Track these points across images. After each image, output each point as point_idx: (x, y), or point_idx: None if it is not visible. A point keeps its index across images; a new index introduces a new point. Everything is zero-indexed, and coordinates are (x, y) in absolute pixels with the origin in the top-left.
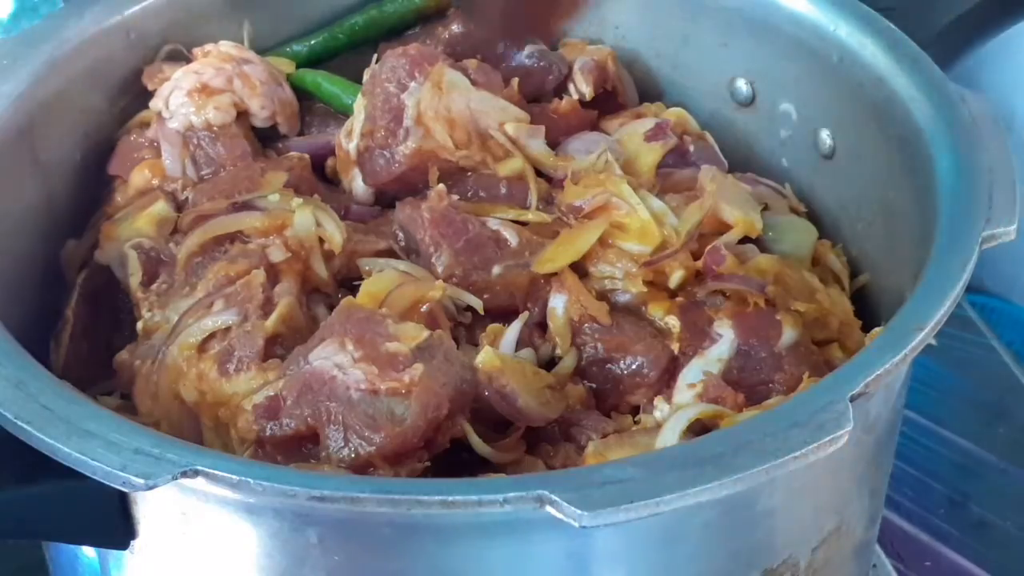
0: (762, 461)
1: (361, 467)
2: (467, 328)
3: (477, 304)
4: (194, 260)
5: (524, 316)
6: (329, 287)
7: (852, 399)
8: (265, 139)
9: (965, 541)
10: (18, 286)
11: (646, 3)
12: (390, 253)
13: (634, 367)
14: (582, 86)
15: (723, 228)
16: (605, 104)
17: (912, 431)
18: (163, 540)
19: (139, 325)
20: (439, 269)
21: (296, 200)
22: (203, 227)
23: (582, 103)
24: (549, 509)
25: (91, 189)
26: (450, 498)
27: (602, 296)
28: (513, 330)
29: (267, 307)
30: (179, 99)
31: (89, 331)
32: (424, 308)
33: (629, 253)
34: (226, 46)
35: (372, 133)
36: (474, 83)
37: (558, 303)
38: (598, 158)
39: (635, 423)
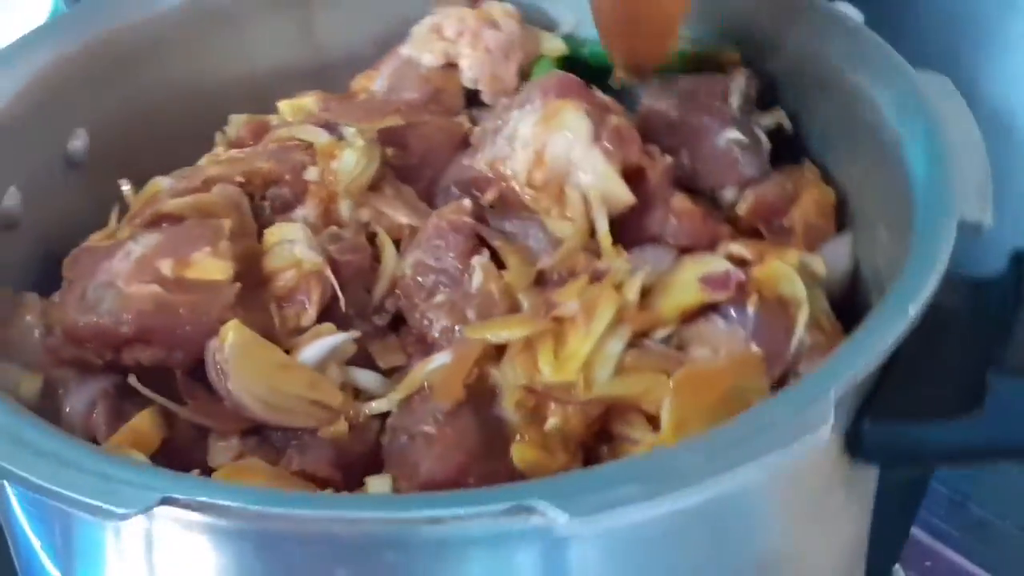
0: None
1: (47, 329)
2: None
3: (336, 294)
4: (269, 146)
5: (352, 334)
6: (349, 229)
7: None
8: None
9: (965, 541)
10: None
11: None
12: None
13: (426, 463)
14: None
15: (650, 413)
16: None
17: None
18: None
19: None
20: (390, 264)
21: (360, 142)
22: (290, 127)
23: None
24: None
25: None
26: None
27: (485, 392)
28: (328, 341)
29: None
30: (419, 29)
31: None
32: (301, 273)
33: (536, 370)
34: (497, 7)
35: (483, 129)
36: (597, 138)
37: (441, 360)
38: (626, 272)
39: None
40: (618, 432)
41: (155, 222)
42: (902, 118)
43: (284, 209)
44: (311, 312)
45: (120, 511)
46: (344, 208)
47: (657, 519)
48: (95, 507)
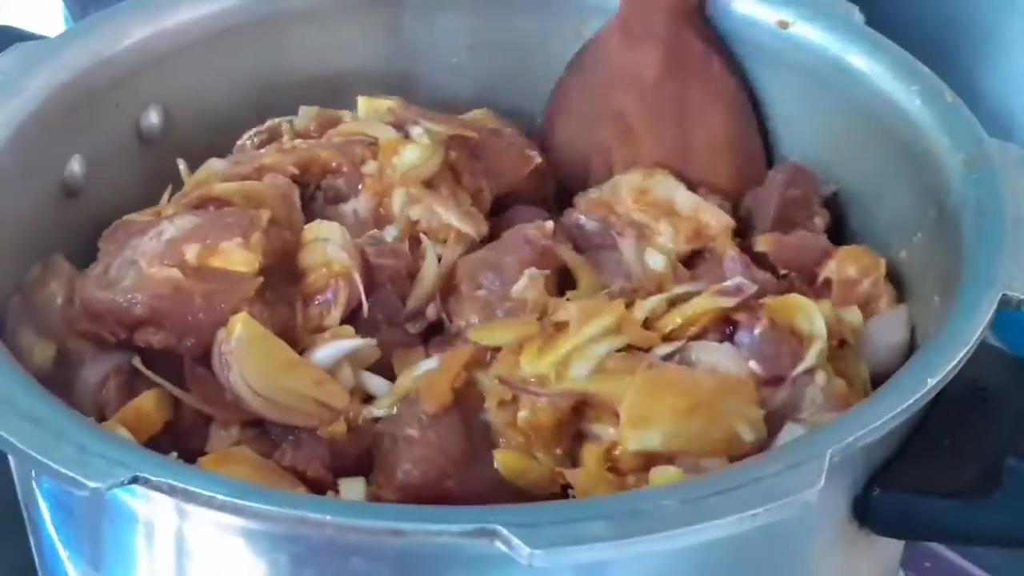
0: None
1: (68, 299)
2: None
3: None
4: (334, 138)
5: (370, 341)
6: (396, 225)
7: None
8: None
9: None
10: None
11: None
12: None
13: (404, 466)
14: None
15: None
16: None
17: None
18: None
19: None
20: (430, 272)
21: (426, 141)
22: (359, 123)
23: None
24: None
25: None
26: None
27: (474, 397)
28: (344, 345)
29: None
30: None
31: None
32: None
33: (518, 369)
34: None
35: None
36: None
37: (428, 365)
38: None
39: None
40: (588, 431)
41: (201, 204)
42: (967, 185)
43: (336, 200)
44: (335, 313)
45: (91, 484)
46: (396, 202)
47: (641, 557)
48: (66, 476)
